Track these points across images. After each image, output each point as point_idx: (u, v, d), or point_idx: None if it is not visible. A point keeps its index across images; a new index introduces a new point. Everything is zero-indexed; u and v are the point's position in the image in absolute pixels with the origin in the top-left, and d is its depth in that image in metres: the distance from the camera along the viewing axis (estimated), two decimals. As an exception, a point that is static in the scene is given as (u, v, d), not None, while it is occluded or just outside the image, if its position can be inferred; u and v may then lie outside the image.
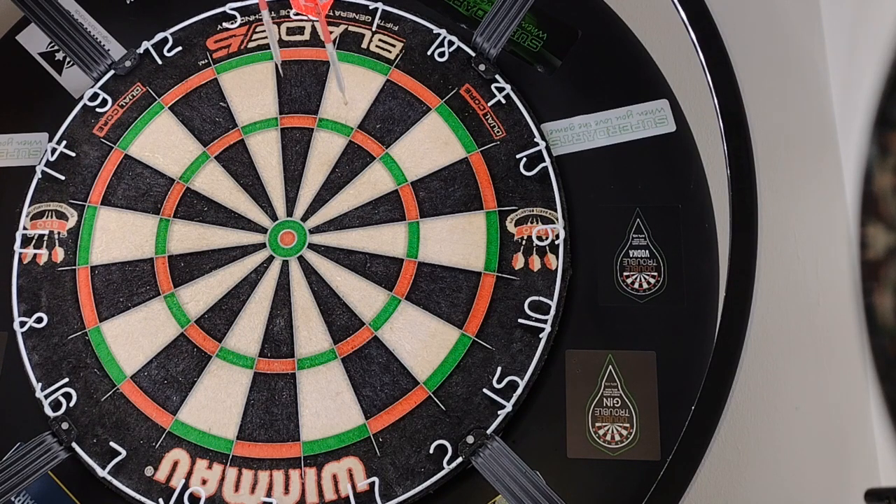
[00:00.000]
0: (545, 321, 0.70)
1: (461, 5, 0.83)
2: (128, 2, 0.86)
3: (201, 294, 0.74)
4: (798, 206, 0.84)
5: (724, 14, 0.73)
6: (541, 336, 0.70)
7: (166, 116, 0.81)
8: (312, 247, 0.75)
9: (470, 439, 0.68)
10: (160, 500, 0.68)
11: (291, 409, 0.70)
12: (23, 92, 0.84)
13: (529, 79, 0.79)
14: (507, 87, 0.78)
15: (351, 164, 0.77)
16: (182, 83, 0.82)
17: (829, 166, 0.84)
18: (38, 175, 0.79)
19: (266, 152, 0.79)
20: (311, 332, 0.72)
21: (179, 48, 0.83)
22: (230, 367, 0.72)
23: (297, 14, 0.83)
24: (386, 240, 0.75)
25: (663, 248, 0.73)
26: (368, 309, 0.73)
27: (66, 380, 0.73)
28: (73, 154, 0.80)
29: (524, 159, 0.75)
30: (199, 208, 0.77)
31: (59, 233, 0.77)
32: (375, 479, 0.68)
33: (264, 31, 0.83)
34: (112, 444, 0.70)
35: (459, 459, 0.67)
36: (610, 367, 0.70)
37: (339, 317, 0.73)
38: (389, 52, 0.81)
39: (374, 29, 0.82)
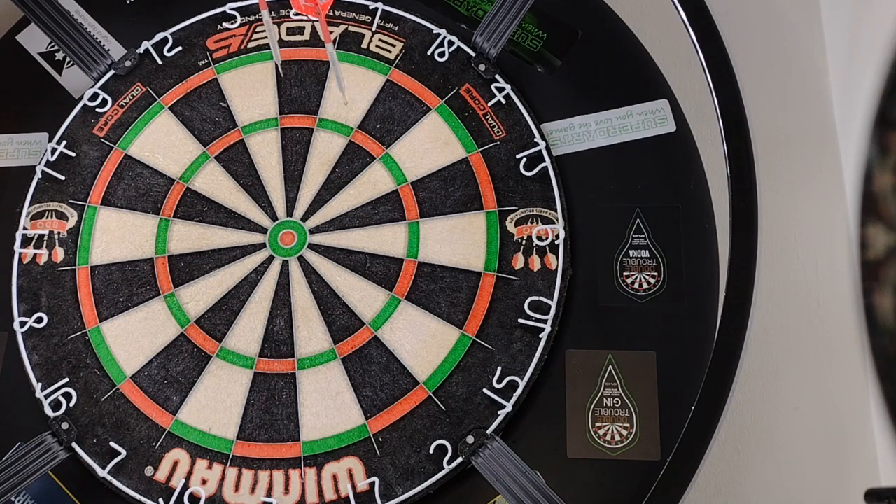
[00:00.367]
0: (545, 321, 0.70)
1: (461, 5, 0.83)
2: (128, 2, 0.86)
3: (201, 294, 0.74)
4: (798, 206, 0.84)
5: (724, 14, 0.73)
6: (541, 336, 0.70)
7: (166, 116, 0.81)
8: (312, 247, 0.75)
9: (470, 439, 0.68)
10: (160, 500, 0.68)
11: (291, 409, 0.70)
12: (23, 92, 0.84)
13: (529, 79, 0.79)
14: (507, 87, 0.78)
15: (351, 164, 0.77)
16: (182, 83, 0.82)
17: (829, 166, 0.84)
18: (38, 175, 0.79)
19: (266, 152, 0.79)
20: (311, 332, 0.72)
21: (179, 48, 0.83)
22: (230, 367, 0.72)
23: (297, 14, 0.83)
24: (386, 240, 0.75)
25: (663, 248, 0.73)
26: (368, 309, 0.73)
27: (66, 380, 0.73)
28: (73, 154, 0.80)
29: (524, 159, 0.75)
30: (199, 208, 0.77)
31: (59, 233, 0.77)
32: (375, 479, 0.68)
33: (264, 31, 0.83)
34: (112, 444, 0.70)
35: (459, 459, 0.67)
36: (610, 367, 0.70)
37: (339, 317, 0.73)
38: (389, 52, 0.81)
39: (374, 29, 0.82)
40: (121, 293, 0.75)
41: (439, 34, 0.81)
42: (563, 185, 0.75)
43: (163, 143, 0.80)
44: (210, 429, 0.70)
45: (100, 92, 0.82)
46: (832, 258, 0.82)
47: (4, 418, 0.73)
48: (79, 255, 0.76)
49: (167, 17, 0.84)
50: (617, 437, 0.68)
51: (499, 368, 0.70)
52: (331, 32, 0.82)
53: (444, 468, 0.67)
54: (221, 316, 0.73)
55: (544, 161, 0.75)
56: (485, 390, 0.69)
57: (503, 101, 0.78)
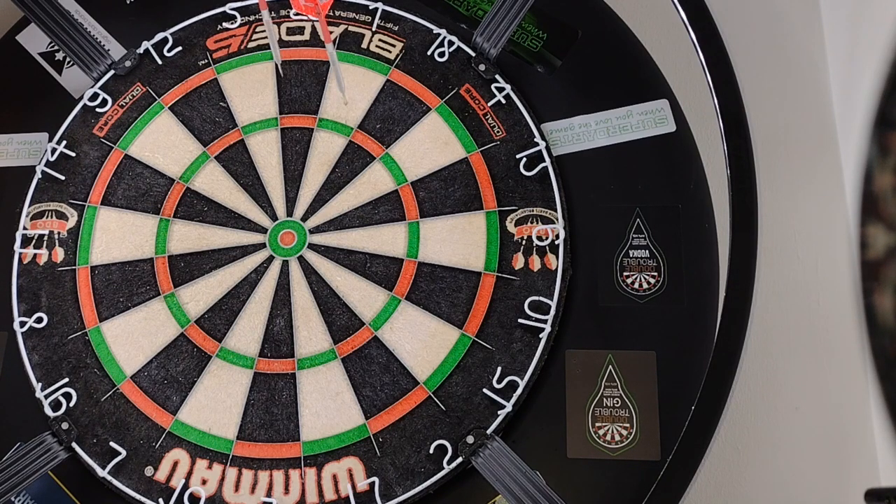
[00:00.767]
0: (545, 321, 0.70)
1: (461, 5, 0.83)
2: (128, 2, 0.86)
3: (201, 294, 0.74)
4: (798, 206, 0.84)
5: (724, 14, 0.73)
6: (541, 336, 0.70)
7: (166, 116, 0.81)
8: (312, 247, 0.75)
9: (470, 439, 0.68)
10: (160, 500, 0.68)
11: (291, 409, 0.70)
12: (23, 92, 0.84)
13: (529, 79, 0.79)
14: (507, 87, 0.78)
15: (351, 164, 0.77)
16: (182, 83, 0.82)
17: (829, 166, 0.84)
18: (38, 175, 0.79)
19: (266, 152, 0.79)
20: (311, 332, 0.72)
21: (179, 48, 0.83)
22: (230, 367, 0.72)
23: (297, 14, 0.83)
24: (386, 240, 0.75)
25: (663, 248, 0.73)
26: (368, 309, 0.73)
27: (66, 380, 0.73)
28: (73, 154, 0.80)
29: (524, 159, 0.75)
30: (199, 208, 0.77)
31: (59, 233, 0.77)
32: (375, 479, 0.68)
33: (264, 31, 0.83)
34: (112, 444, 0.70)
35: (459, 459, 0.67)
36: (610, 367, 0.70)
37: (339, 317, 0.73)
38: (389, 52, 0.81)
39: (374, 29, 0.82)
40: (121, 293, 0.75)
41: (439, 34, 0.81)
42: (563, 185, 0.75)
43: (163, 143, 0.80)
44: (210, 429, 0.70)
45: (100, 92, 0.82)
46: (832, 258, 0.82)
47: (4, 418, 0.73)
48: (79, 255, 0.76)
49: (167, 17, 0.84)
50: (617, 437, 0.68)
51: (499, 368, 0.70)
52: (331, 32, 0.82)
53: (444, 468, 0.67)
54: (221, 316, 0.73)
55: (544, 161, 0.75)
56: (485, 390, 0.69)
57: (503, 101, 0.78)
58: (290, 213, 0.76)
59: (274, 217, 0.76)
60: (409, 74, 0.80)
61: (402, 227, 0.75)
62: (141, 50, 0.83)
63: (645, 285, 0.72)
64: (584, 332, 0.71)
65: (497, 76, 0.78)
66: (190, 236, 0.76)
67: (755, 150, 0.68)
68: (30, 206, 0.78)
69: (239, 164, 0.78)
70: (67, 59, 0.84)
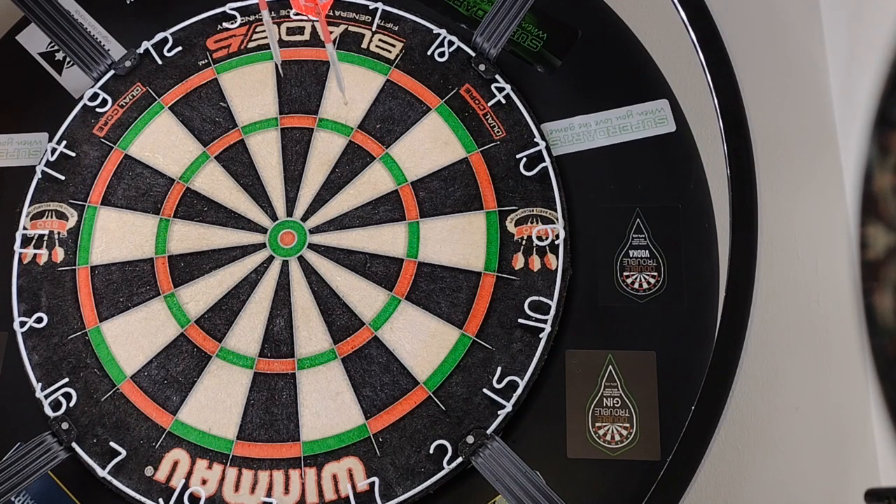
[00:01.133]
0: (545, 321, 0.70)
1: (461, 5, 0.83)
2: (128, 2, 0.86)
3: (201, 294, 0.74)
4: (798, 206, 0.84)
5: (724, 14, 0.73)
6: (541, 336, 0.70)
7: (166, 116, 0.81)
8: (312, 247, 0.75)
9: (470, 439, 0.67)
10: (160, 500, 0.68)
11: (291, 409, 0.70)
12: (23, 92, 0.84)
13: (529, 79, 0.79)
14: (507, 87, 0.78)
15: (351, 164, 0.77)
16: (182, 83, 0.82)
17: (829, 166, 0.84)
18: (38, 175, 0.79)
19: (266, 152, 0.79)
20: (311, 332, 0.72)
21: (179, 48, 0.83)
22: (230, 367, 0.72)
23: (297, 14, 0.83)
24: (386, 240, 0.75)
25: (663, 248, 0.73)
26: (368, 309, 0.73)
27: (66, 380, 0.73)
28: (73, 154, 0.80)
29: (524, 159, 0.75)
30: (199, 208, 0.77)
31: (59, 233, 0.77)
32: (375, 479, 0.68)
33: (264, 31, 0.83)
34: (112, 444, 0.70)
35: (459, 459, 0.67)
36: (610, 367, 0.70)
37: (339, 317, 0.73)
38: (389, 52, 0.81)
39: (374, 29, 0.82)
40: (121, 293, 0.75)
41: (439, 34, 0.81)
42: (563, 185, 0.75)
43: (163, 143, 0.80)
44: (210, 429, 0.70)
45: (100, 92, 0.82)
46: (832, 258, 0.82)
47: (4, 418, 0.73)
48: (79, 255, 0.76)
49: (167, 17, 0.84)
50: (617, 437, 0.68)
51: (499, 368, 0.70)
52: (331, 32, 0.82)
53: (444, 468, 0.67)
54: (221, 316, 0.73)
55: (544, 161, 0.75)
56: (485, 390, 0.69)
57: (503, 101, 0.78)
58: (290, 213, 0.76)
59: (274, 217, 0.77)
60: (409, 74, 0.80)
61: (402, 227, 0.75)
62: (141, 50, 0.83)
63: (645, 285, 0.72)
64: (584, 332, 0.71)
65: (497, 76, 0.78)
66: (190, 236, 0.76)
67: (755, 150, 0.68)
68: (30, 206, 0.78)
69: (239, 164, 0.78)
70: (67, 59, 0.84)
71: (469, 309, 0.72)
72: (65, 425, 0.71)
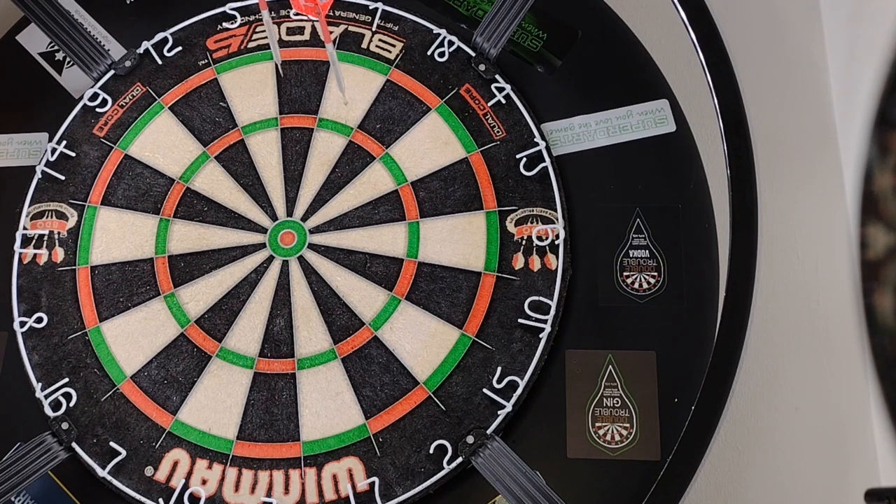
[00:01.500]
0: (545, 321, 0.70)
1: (461, 5, 0.83)
2: (128, 2, 0.86)
3: (201, 294, 0.74)
4: (798, 206, 0.84)
5: (724, 14, 0.73)
6: (541, 336, 0.70)
7: (166, 116, 0.81)
8: (312, 247, 0.75)
9: (470, 439, 0.68)
10: (160, 500, 0.68)
11: (291, 409, 0.70)
12: (23, 92, 0.84)
13: (529, 79, 0.79)
14: (507, 87, 0.78)
15: (351, 164, 0.77)
16: (182, 83, 0.82)
17: (829, 166, 0.84)
18: (38, 175, 0.79)
19: (266, 152, 0.79)
20: (311, 332, 0.72)
21: (179, 48, 0.83)
22: (230, 367, 0.72)
23: (297, 14, 0.83)
24: (386, 240, 0.75)
25: (663, 248, 0.73)
26: (368, 309, 0.73)
27: (66, 380, 0.73)
28: (73, 154, 0.80)
29: (524, 159, 0.75)
30: (199, 208, 0.77)
31: (59, 233, 0.77)
32: (375, 479, 0.68)
33: (264, 31, 0.83)
34: (112, 444, 0.70)
35: (459, 459, 0.67)
36: (610, 367, 0.70)
37: (339, 317, 0.73)
38: (389, 52, 0.81)
39: (374, 29, 0.82)
40: (121, 293, 0.75)
41: (439, 34, 0.81)
42: (563, 185, 0.75)
43: (163, 143, 0.80)
44: (210, 429, 0.70)
45: (100, 92, 0.82)
46: (832, 258, 0.82)
47: (4, 418, 0.73)
48: (79, 255, 0.76)
49: (167, 17, 0.84)
50: (617, 437, 0.68)
51: (499, 368, 0.70)
52: (331, 32, 0.82)
53: (444, 468, 0.67)
54: (221, 316, 0.73)
55: (544, 161, 0.75)
56: (485, 390, 0.69)
57: (503, 101, 0.78)
58: (290, 213, 0.76)
59: (274, 217, 0.77)
60: (409, 74, 0.80)
61: (402, 227, 0.75)
62: (141, 50, 0.83)
63: (645, 285, 0.72)
64: (584, 332, 0.71)
65: (497, 76, 0.78)
66: (190, 236, 0.76)
67: (755, 150, 0.68)
68: (30, 206, 0.78)
69: (239, 164, 0.78)
70: (67, 59, 0.84)
71: (469, 309, 0.72)
72: (65, 425, 0.71)
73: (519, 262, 0.73)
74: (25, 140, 0.82)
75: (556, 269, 0.72)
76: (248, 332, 0.73)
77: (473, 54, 0.79)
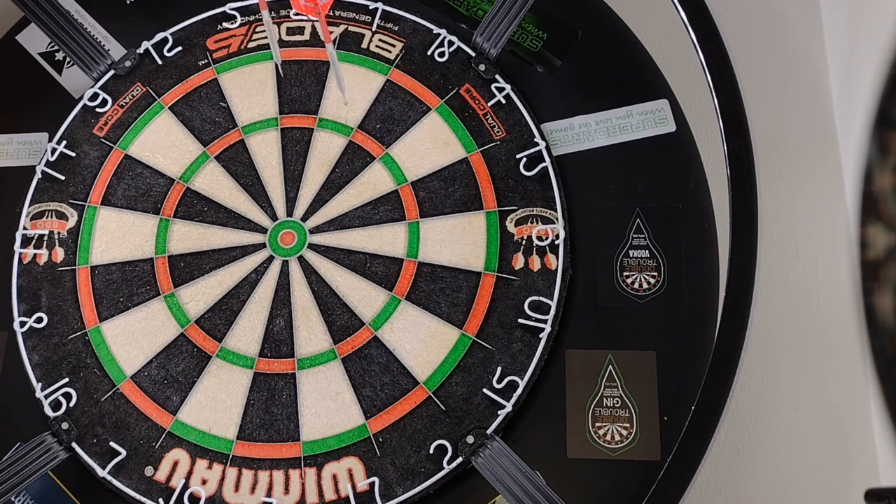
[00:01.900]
0: (545, 321, 0.70)
1: (461, 5, 0.83)
2: (128, 2, 0.86)
3: (201, 294, 0.74)
4: (798, 206, 0.84)
5: (724, 14, 0.73)
6: (541, 336, 0.70)
7: (166, 116, 0.81)
8: (312, 247, 0.75)
9: (470, 439, 0.68)
10: (160, 500, 0.68)
11: (291, 409, 0.70)
12: (23, 92, 0.84)
13: (529, 79, 0.79)
14: (507, 87, 0.78)
15: (351, 164, 0.77)
16: (182, 83, 0.82)
17: (829, 166, 0.84)
18: (38, 175, 0.79)
19: (266, 152, 0.79)
20: (311, 332, 0.72)
21: (179, 48, 0.83)
22: (230, 367, 0.72)
23: (297, 14, 0.83)
24: (386, 240, 0.75)
25: (663, 248, 0.73)
26: (368, 309, 0.73)
27: (66, 380, 0.73)
28: (73, 154, 0.80)
29: (524, 159, 0.75)
30: (199, 208, 0.77)
31: (59, 233, 0.77)
32: (375, 479, 0.68)
33: (264, 31, 0.83)
34: (112, 444, 0.70)
35: (459, 459, 0.67)
36: (610, 367, 0.70)
37: (339, 317, 0.73)
38: (389, 52, 0.81)
39: (374, 29, 0.82)
40: (121, 293, 0.75)
41: (439, 34, 0.81)
42: (563, 185, 0.75)
43: (163, 143, 0.80)
44: (210, 429, 0.70)
45: (100, 92, 0.82)
46: (832, 258, 0.82)
47: (4, 418, 0.73)
48: (79, 255, 0.76)
49: (167, 17, 0.84)
50: (617, 437, 0.68)
51: (499, 368, 0.70)
52: (331, 32, 0.82)
53: (444, 468, 0.67)
54: (221, 316, 0.73)
55: (544, 161, 0.75)
56: (485, 390, 0.69)
57: (503, 101, 0.78)
58: (290, 213, 0.76)
59: (274, 217, 0.77)
60: (409, 74, 0.80)
61: (402, 227, 0.75)
62: (141, 50, 0.83)
63: (645, 285, 0.72)
64: (584, 332, 0.71)
65: (497, 76, 0.78)
66: (190, 236, 0.76)
67: (755, 150, 0.68)
68: (30, 206, 0.78)
69: (239, 164, 0.78)
70: (67, 59, 0.84)
71: (469, 309, 0.72)
72: (65, 425, 0.71)
73: (519, 262, 0.73)
74: (25, 140, 0.82)
75: (556, 269, 0.72)
76: (248, 332, 0.73)
77: (473, 54, 0.79)
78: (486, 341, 0.71)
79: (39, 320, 0.74)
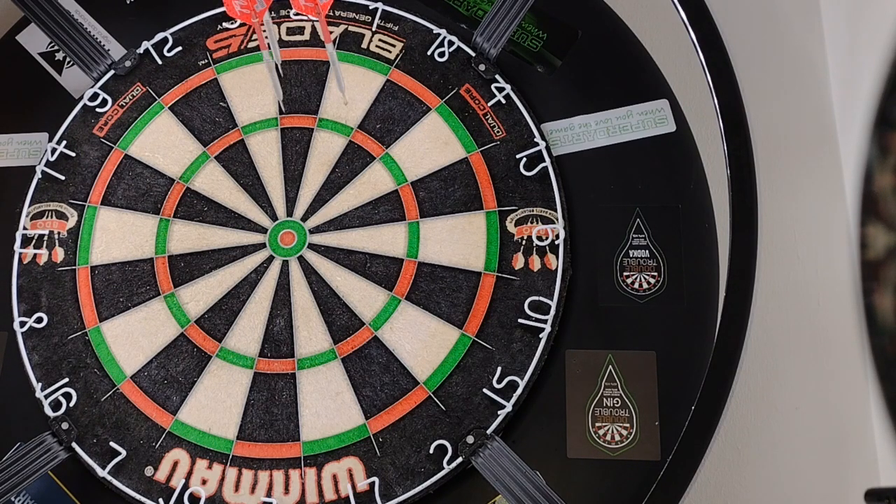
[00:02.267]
0: (545, 321, 0.70)
1: (461, 5, 0.83)
2: (128, 2, 0.86)
3: (201, 294, 0.74)
4: (798, 206, 0.84)
5: (724, 14, 0.73)
6: (541, 336, 0.70)
7: (166, 116, 0.81)
8: (312, 247, 0.75)
9: (470, 439, 0.68)
10: (160, 500, 0.68)
11: (291, 409, 0.70)
12: (23, 92, 0.84)
13: (529, 79, 0.79)
14: (507, 87, 0.78)
15: (351, 164, 0.77)
16: (182, 83, 0.82)
17: (829, 166, 0.84)
18: (38, 175, 0.79)
19: (266, 152, 0.79)
20: (311, 332, 0.72)
21: (179, 48, 0.83)
22: (230, 367, 0.72)
23: (297, 14, 0.83)
24: (386, 240, 0.75)
25: (663, 248, 0.73)
26: (368, 309, 0.73)
27: (66, 380, 0.73)
28: (73, 154, 0.80)
29: (524, 159, 0.75)
30: (199, 208, 0.77)
31: (59, 233, 0.77)
32: (375, 479, 0.68)
33: (265, 31, 0.83)
34: (112, 444, 0.70)
35: (459, 459, 0.67)
36: (610, 367, 0.70)
37: (339, 317, 0.73)
38: (389, 52, 0.81)
39: (374, 29, 0.82)
40: (121, 293, 0.75)
41: (439, 34, 0.81)
42: (563, 185, 0.75)
43: (163, 143, 0.80)
44: (210, 429, 0.70)
45: (100, 92, 0.82)
46: (832, 258, 0.82)
47: (4, 418, 0.73)
48: (79, 255, 0.76)
49: (167, 17, 0.84)
50: (617, 437, 0.68)
51: (499, 368, 0.70)
52: (331, 32, 0.82)
53: (444, 468, 0.67)
54: (221, 316, 0.73)
55: (544, 161, 0.75)
56: (485, 390, 0.69)
57: (503, 101, 0.78)
58: (290, 213, 0.76)
59: (274, 217, 0.77)
60: (409, 74, 0.80)
61: (402, 227, 0.75)
62: (141, 50, 0.83)
63: (645, 285, 0.72)
64: (584, 332, 0.71)
65: (497, 76, 0.78)
66: (190, 236, 0.76)
67: (755, 150, 0.68)
68: (30, 206, 0.78)
69: (239, 164, 0.78)
70: (67, 59, 0.84)
71: (469, 309, 0.72)
72: (65, 425, 0.71)
73: (519, 262, 0.73)
74: (25, 140, 0.82)
75: (556, 269, 0.72)
76: (248, 332, 0.73)
77: (473, 54, 0.79)
78: (486, 341, 0.71)
79: (39, 320, 0.74)
